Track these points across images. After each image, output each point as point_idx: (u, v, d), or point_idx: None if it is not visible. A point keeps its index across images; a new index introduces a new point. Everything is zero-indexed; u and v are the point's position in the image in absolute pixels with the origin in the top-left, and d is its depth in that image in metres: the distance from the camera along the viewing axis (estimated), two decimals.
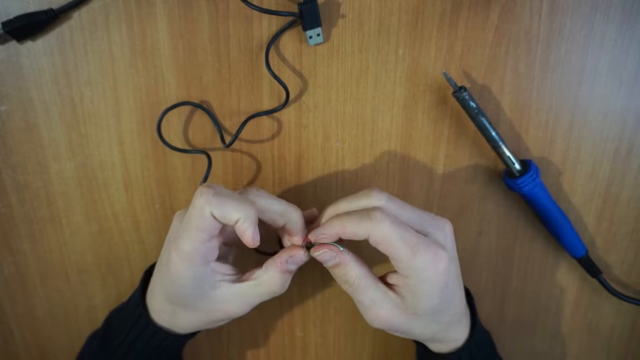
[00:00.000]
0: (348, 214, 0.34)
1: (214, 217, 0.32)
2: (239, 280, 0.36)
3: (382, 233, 0.32)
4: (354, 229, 0.33)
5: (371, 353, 0.51)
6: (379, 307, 0.35)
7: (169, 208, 0.45)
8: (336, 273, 0.35)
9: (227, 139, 0.42)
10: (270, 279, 0.35)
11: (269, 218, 0.36)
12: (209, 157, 0.42)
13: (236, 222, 0.32)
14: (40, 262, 0.47)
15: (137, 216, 0.45)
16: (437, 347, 0.39)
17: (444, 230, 0.35)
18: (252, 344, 0.51)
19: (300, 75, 0.41)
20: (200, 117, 0.42)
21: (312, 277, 0.48)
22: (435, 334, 0.37)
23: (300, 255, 0.36)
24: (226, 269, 0.36)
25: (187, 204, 0.45)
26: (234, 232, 0.35)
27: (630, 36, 0.40)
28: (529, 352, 0.50)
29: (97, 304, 0.48)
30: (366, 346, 0.50)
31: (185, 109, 0.42)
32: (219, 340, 0.50)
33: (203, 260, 0.34)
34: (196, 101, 0.42)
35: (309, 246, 0.36)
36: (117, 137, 0.43)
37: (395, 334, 0.37)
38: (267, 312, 0.49)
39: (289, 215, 0.36)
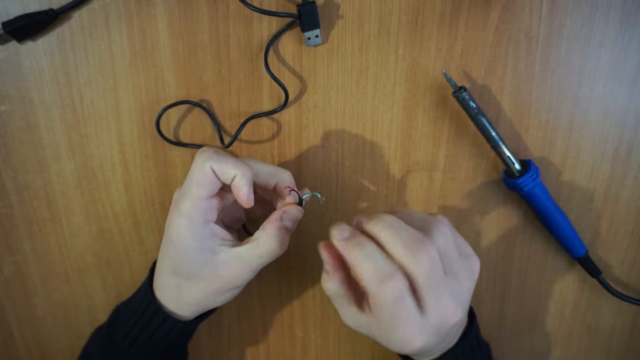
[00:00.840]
0: (370, 216, 0.34)
1: (214, 172, 0.34)
2: (238, 245, 0.36)
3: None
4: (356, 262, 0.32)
5: (371, 353, 0.51)
6: (348, 317, 0.35)
7: (169, 208, 0.45)
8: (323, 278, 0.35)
9: (227, 140, 0.42)
10: (267, 236, 0.35)
11: (262, 180, 0.37)
12: None
13: (233, 179, 0.34)
14: (40, 262, 0.47)
15: (137, 216, 0.45)
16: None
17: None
18: (252, 344, 0.51)
19: (300, 75, 0.41)
20: (199, 117, 0.42)
21: (312, 277, 0.48)
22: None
23: (294, 210, 0.36)
24: (226, 234, 0.36)
25: None
26: (235, 211, 0.37)
27: (630, 36, 0.40)
28: (529, 352, 0.50)
29: (97, 304, 0.48)
30: (366, 346, 0.50)
31: (185, 110, 0.42)
32: (219, 340, 0.50)
33: (202, 219, 0.35)
34: (196, 101, 0.42)
35: (300, 202, 0.37)
36: (117, 137, 0.43)
37: None
38: (267, 312, 0.49)
39: (280, 175, 0.37)
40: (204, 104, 0.42)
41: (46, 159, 0.43)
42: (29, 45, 0.40)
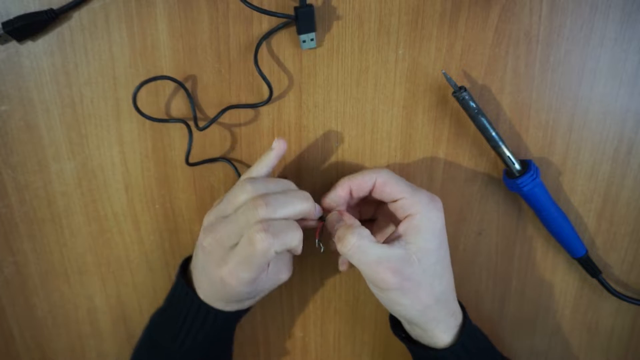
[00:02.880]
0: (353, 174, 0.40)
1: (276, 253, 0.35)
2: None
3: (387, 175, 0.38)
4: (361, 179, 0.39)
5: (371, 353, 0.51)
6: (387, 262, 0.36)
7: (169, 208, 0.45)
8: (340, 249, 0.37)
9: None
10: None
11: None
12: (188, 126, 0.41)
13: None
14: (40, 262, 0.47)
15: (137, 216, 0.45)
16: (430, 335, 0.40)
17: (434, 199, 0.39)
18: (252, 344, 0.51)
19: (300, 75, 0.41)
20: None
21: (312, 277, 0.48)
22: (439, 299, 0.38)
23: (310, 221, 0.40)
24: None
25: (187, 203, 0.45)
26: None
27: (630, 36, 0.40)
28: (528, 351, 0.50)
29: (97, 305, 0.48)
30: (366, 346, 0.50)
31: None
32: None
33: (260, 275, 0.37)
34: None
35: (322, 218, 0.40)
36: (117, 137, 0.43)
37: (401, 305, 0.38)
38: (267, 312, 0.49)
39: (305, 213, 0.38)
40: (186, 84, 0.41)
41: (46, 159, 0.43)
42: (29, 45, 0.40)
